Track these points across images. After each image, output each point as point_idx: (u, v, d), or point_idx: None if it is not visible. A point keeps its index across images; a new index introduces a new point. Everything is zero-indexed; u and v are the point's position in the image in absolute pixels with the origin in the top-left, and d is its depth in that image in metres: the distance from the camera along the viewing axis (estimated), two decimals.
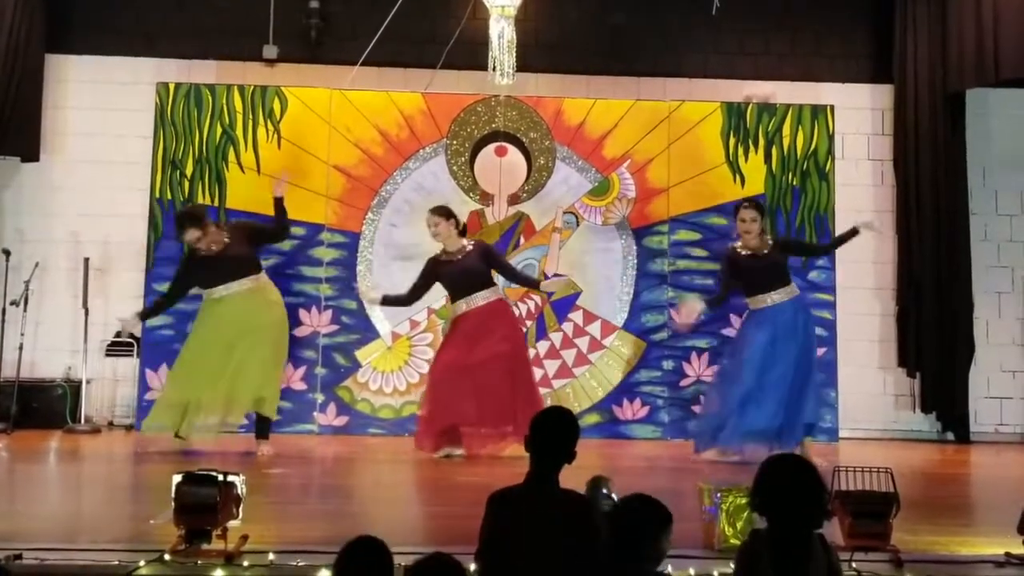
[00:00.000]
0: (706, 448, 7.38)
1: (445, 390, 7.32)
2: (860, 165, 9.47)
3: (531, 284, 8.04)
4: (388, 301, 7.82)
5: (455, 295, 7.55)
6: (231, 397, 7.20)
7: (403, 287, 8.71)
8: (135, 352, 8.75)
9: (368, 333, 8.74)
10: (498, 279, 7.67)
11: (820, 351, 8.66)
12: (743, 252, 7.35)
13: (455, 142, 8.97)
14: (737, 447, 7.21)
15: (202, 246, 7.21)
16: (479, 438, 7.34)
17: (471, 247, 7.53)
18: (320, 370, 8.64)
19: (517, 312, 8.41)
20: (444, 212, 7.54)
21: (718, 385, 7.66)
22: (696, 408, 8.75)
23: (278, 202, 7.47)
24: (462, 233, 7.58)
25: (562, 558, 3.25)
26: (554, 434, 3.48)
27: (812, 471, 3.07)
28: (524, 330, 8.32)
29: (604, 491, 4.08)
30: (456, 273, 7.47)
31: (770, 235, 7.61)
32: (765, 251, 7.31)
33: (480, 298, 7.42)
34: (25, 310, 8.55)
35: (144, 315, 7.73)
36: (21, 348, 8.50)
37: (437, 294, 8.75)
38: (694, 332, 8.78)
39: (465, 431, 7.33)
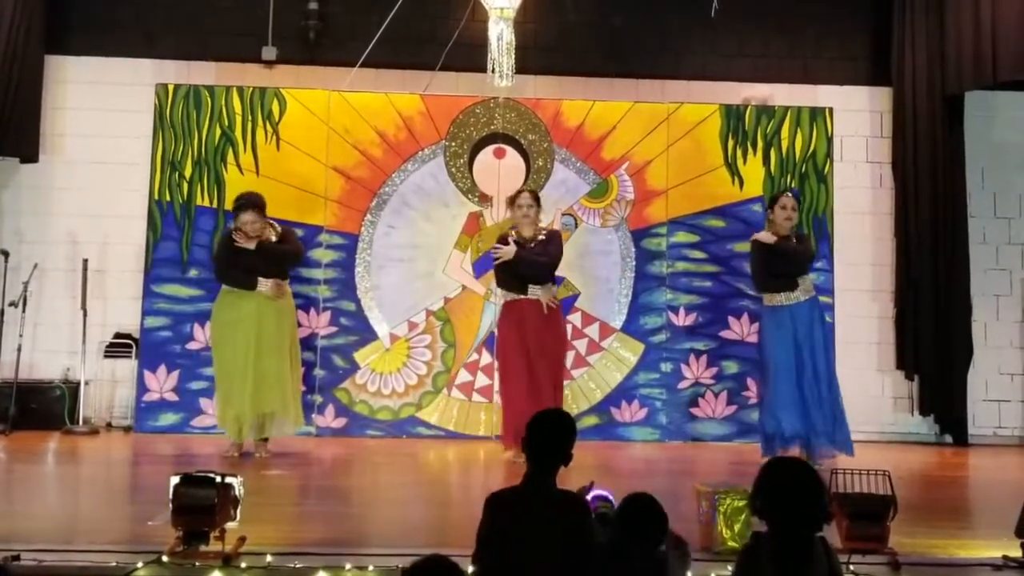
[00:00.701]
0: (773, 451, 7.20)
1: (515, 390, 7.29)
2: (858, 167, 9.48)
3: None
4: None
5: (517, 284, 7.45)
6: (260, 408, 7.22)
7: (402, 289, 8.78)
8: (134, 353, 8.75)
9: (366, 335, 8.74)
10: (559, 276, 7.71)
11: None
12: (771, 241, 7.26)
13: (454, 144, 8.97)
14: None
15: (247, 230, 7.25)
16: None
17: (543, 237, 7.50)
18: (318, 372, 8.64)
19: None
20: (536, 197, 7.56)
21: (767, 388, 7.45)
22: (694, 410, 8.78)
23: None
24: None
25: (559, 559, 3.25)
26: (551, 436, 3.49)
27: (812, 474, 3.07)
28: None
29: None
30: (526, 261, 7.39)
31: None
32: (794, 241, 7.33)
33: (539, 291, 7.42)
34: (24, 311, 8.54)
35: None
36: (20, 349, 8.49)
37: (436, 295, 8.78)
38: (692, 335, 8.82)
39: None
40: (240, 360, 7.16)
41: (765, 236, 7.33)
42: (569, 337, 8.39)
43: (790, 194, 7.55)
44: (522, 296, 7.40)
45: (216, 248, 7.71)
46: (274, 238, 7.40)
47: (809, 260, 7.41)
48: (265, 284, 7.23)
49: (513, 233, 7.52)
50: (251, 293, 7.25)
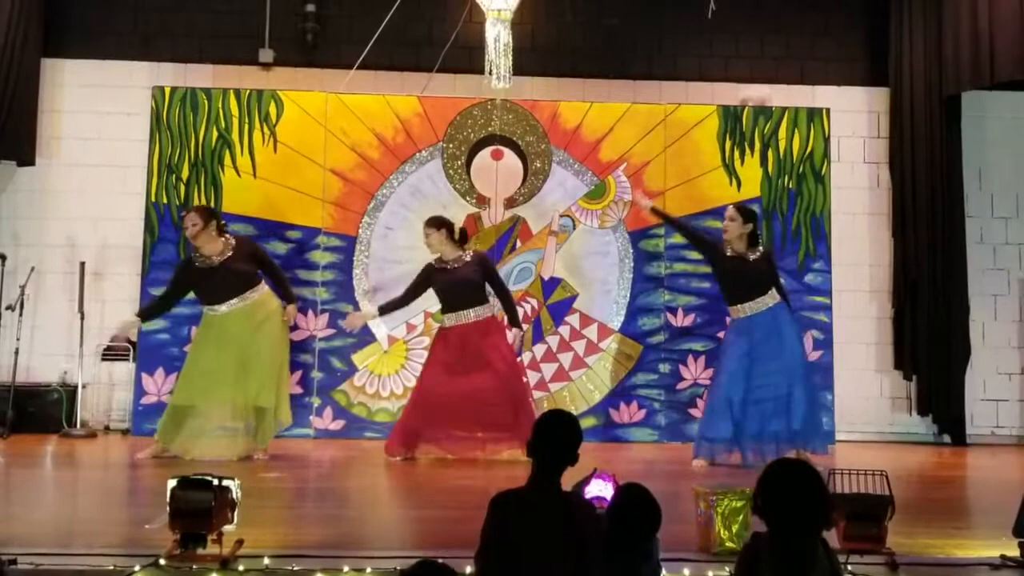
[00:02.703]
0: (701, 455, 7.38)
1: (426, 409, 7.36)
2: (856, 168, 9.48)
3: (513, 320, 7.61)
4: (385, 309, 7.75)
5: (445, 307, 7.56)
6: (237, 405, 7.19)
7: (399, 290, 8.75)
8: (131, 357, 8.74)
9: (364, 337, 8.73)
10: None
11: (816, 354, 8.72)
12: (728, 252, 7.42)
13: (451, 145, 8.97)
14: (725, 454, 7.35)
15: (199, 244, 7.19)
16: (473, 442, 7.36)
17: (469, 258, 7.51)
18: (316, 374, 8.64)
19: None
20: (435, 223, 7.53)
21: (710, 393, 7.71)
22: (693, 411, 8.78)
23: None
24: (461, 241, 7.54)
25: (564, 561, 3.25)
26: (557, 437, 3.48)
27: (817, 477, 3.06)
28: (516, 351, 8.02)
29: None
30: (449, 283, 7.46)
31: (763, 245, 7.66)
32: (751, 257, 7.35)
33: (472, 314, 7.43)
34: (21, 315, 8.54)
35: (141, 315, 7.58)
36: (17, 353, 8.48)
37: (433, 297, 8.76)
38: (691, 336, 8.83)
39: (458, 435, 7.35)
40: (218, 366, 7.16)
41: (723, 244, 7.46)
42: (567, 338, 8.42)
43: (734, 205, 7.64)
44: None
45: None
46: (230, 252, 7.29)
47: (760, 281, 7.39)
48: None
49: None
50: (231, 312, 7.26)
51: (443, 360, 7.43)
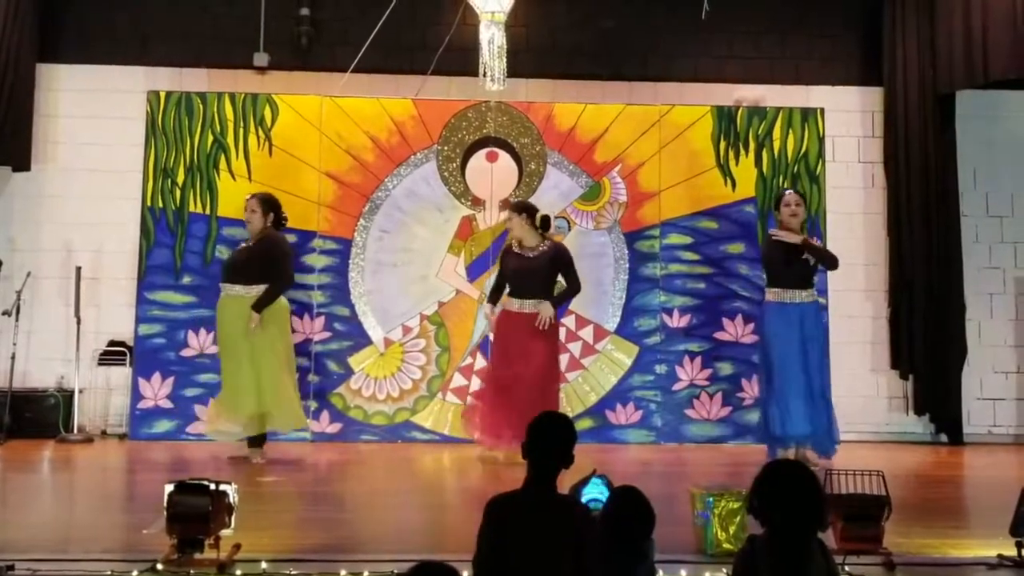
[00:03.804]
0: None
1: (490, 398, 7.47)
2: (850, 167, 9.49)
3: (559, 297, 7.66)
4: (494, 299, 7.76)
5: (511, 291, 7.56)
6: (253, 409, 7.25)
7: (396, 293, 8.78)
8: (127, 361, 8.74)
9: (361, 339, 8.74)
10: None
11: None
12: (799, 237, 7.32)
13: (446, 148, 8.97)
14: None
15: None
16: (504, 439, 7.26)
17: (545, 248, 7.53)
18: (313, 377, 8.63)
19: None
20: (517, 207, 7.62)
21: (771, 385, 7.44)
22: (689, 412, 8.78)
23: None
24: (543, 229, 7.55)
25: (560, 563, 3.25)
26: (552, 439, 3.48)
27: (812, 477, 3.07)
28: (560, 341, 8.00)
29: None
30: (520, 271, 7.48)
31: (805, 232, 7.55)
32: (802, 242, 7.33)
33: (529, 305, 7.43)
34: (17, 320, 8.52)
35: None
36: (13, 358, 8.47)
37: (430, 299, 8.79)
38: (687, 336, 8.83)
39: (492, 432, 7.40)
40: (238, 366, 7.25)
41: (786, 235, 7.32)
42: (563, 340, 8.43)
43: (792, 191, 7.66)
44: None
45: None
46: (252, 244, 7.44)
47: (829, 265, 7.48)
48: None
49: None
50: (237, 297, 7.31)
51: (503, 343, 7.53)
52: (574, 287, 7.63)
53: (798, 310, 7.26)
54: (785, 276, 7.31)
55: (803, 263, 7.31)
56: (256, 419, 7.23)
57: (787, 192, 7.57)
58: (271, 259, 7.32)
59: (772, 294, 7.37)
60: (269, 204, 7.49)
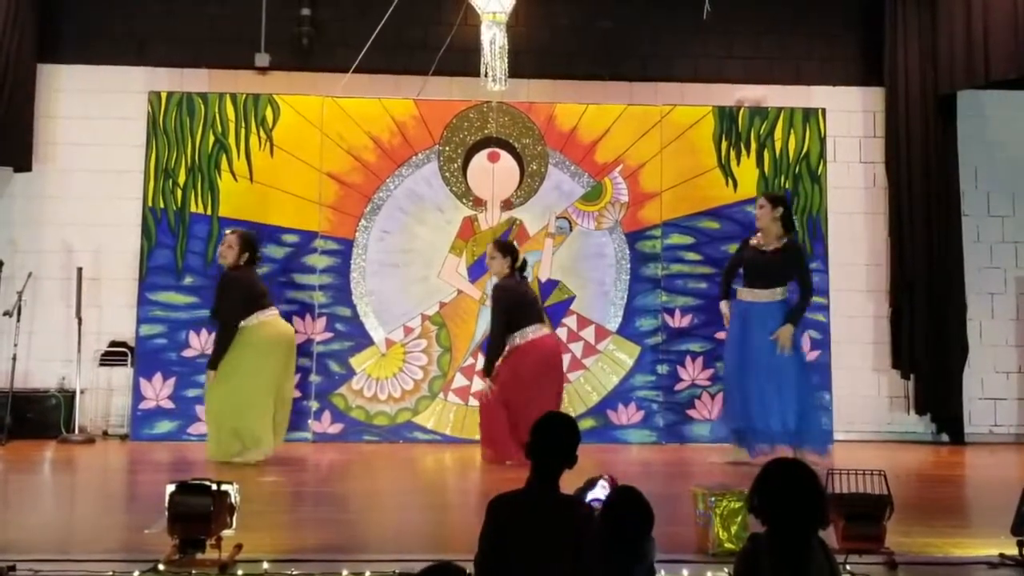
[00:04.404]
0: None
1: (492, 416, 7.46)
2: (852, 168, 9.49)
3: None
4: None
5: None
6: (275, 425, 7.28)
7: (397, 294, 8.79)
8: (129, 362, 8.74)
9: (362, 340, 8.74)
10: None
11: (814, 354, 8.73)
12: (751, 243, 7.54)
13: (448, 148, 8.97)
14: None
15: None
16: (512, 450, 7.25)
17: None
18: (315, 377, 8.63)
19: None
20: (501, 247, 7.67)
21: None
22: (691, 412, 8.79)
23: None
24: (520, 270, 7.66)
25: (562, 564, 3.25)
26: (555, 439, 3.48)
27: (812, 475, 3.06)
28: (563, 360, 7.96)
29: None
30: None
31: (788, 237, 7.53)
32: (771, 248, 7.40)
33: (530, 332, 7.44)
34: (18, 320, 8.53)
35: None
36: (15, 359, 8.47)
37: (431, 300, 8.79)
38: (688, 337, 8.83)
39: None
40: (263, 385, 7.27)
41: (754, 239, 7.55)
42: (565, 340, 8.44)
43: (764, 193, 7.76)
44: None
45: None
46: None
47: (773, 275, 7.44)
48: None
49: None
50: (268, 321, 7.37)
51: (503, 377, 7.54)
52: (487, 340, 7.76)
53: (747, 307, 7.43)
54: (745, 274, 7.59)
55: (765, 260, 7.46)
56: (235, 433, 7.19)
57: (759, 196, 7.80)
58: (217, 299, 7.34)
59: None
60: (246, 243, 7.40)
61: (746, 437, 7.34)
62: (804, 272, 7.50)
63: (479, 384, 8.59)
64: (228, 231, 7.62)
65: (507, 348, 7.43)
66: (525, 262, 7.82)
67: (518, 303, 7.48)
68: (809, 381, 7.69)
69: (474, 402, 8.66)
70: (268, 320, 7.28)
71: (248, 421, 7.10)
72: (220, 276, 7.45)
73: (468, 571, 3.59)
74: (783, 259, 7.42)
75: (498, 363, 7.44)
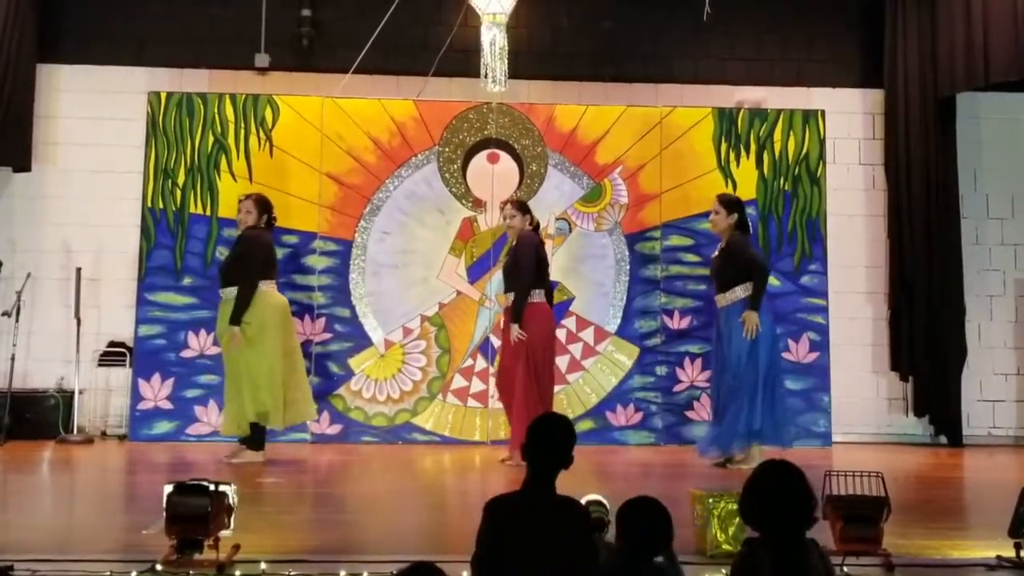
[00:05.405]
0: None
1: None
2: (851, 169, 9.50)
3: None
4: None
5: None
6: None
7: (396, 295, 8.78)
8: (127, 362, 8.74)
9: (361, 341, 8.74)
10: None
11: (812, 356, 8.74)
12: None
13: (447, 149, 8.98)
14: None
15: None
16: None
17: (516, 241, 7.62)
18: (313, 378, 8.61)
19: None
20: (519, 206, 7.66)
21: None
22: (690, 414, 8.79)
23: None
24: (534, 229, 7.67)
25: (559, 565, 3.25)
26: (551, 440, 3.48)
27: (798, 476, 3.05)
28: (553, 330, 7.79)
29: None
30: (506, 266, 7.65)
31: (736, 236, 7.42)
32: (722, 247, 7.49)
33: (535, 296, 7.46)
34: (17, 321, 8.53)
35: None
36: (13, 359, 8.48)
37: (430, 301, 8.79)
38: (687, 338, 8.83)
39: None
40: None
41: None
42: (564, 341, 8.44)
43: (716, 200, 7.65)
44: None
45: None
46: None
47: (724, 277, 7.40)
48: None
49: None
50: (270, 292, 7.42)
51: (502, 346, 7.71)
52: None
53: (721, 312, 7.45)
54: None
55: (714, 267, 7.55)
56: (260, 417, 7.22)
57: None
58: (237, 257, 7.37)
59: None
60: (263, 205, 7.49)
61: (720, 437, 7.37)
62: (747, 260, 7.34)
63: (478, 385, 8.62)
64: (242, 196, 7.68)
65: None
66: (539, 223, 7.84)
67: (542, 262, 7.52)
68: (777, 377, 7.53)
69: (473, 403, 8.69)
70: (266, 290, 7.31)
71: (258, 393, 7.18)
72: (240, 235, 7.46)
73: (461, 571, 3.60)
74: (724, 259, 7.41)
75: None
